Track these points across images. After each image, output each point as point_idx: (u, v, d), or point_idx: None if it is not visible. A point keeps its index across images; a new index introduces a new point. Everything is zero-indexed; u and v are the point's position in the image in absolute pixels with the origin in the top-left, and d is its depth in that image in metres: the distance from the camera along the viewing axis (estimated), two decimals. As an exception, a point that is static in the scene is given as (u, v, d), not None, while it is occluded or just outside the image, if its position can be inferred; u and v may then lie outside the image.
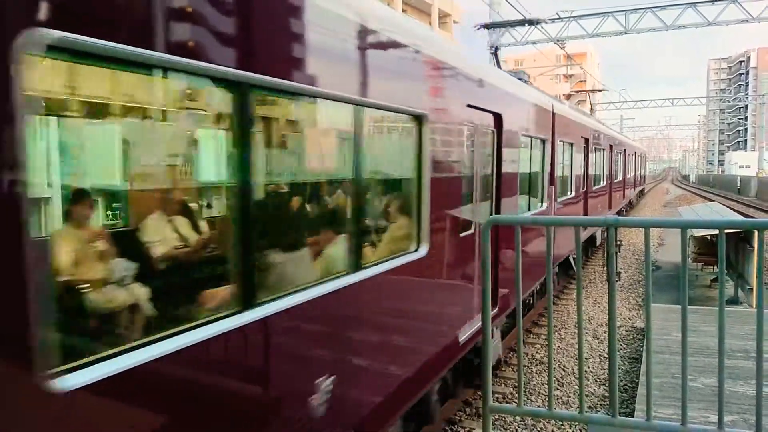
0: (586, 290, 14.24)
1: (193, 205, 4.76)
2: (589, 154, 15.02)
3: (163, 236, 3.93)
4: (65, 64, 2.51)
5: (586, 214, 15.00)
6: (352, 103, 3.91)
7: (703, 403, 6.32)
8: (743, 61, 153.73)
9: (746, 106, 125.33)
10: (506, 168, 7.55)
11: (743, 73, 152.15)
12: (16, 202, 1.99)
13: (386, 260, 4.45)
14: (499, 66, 12.84)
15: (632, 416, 6.54)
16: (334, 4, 3.76)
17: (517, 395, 4.19)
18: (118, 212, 5.16)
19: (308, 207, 4.25)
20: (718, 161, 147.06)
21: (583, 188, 14.49)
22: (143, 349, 2.42)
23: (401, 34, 4.67)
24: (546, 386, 6.08)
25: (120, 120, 4.14)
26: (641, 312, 12.40)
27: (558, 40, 28.15)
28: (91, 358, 2.25)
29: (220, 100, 3.05)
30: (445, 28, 46.62)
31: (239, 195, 2.98)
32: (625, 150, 26.11)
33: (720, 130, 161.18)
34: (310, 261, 3.88)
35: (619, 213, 23.83)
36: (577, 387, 6.20)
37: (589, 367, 9.06)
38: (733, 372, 7.08)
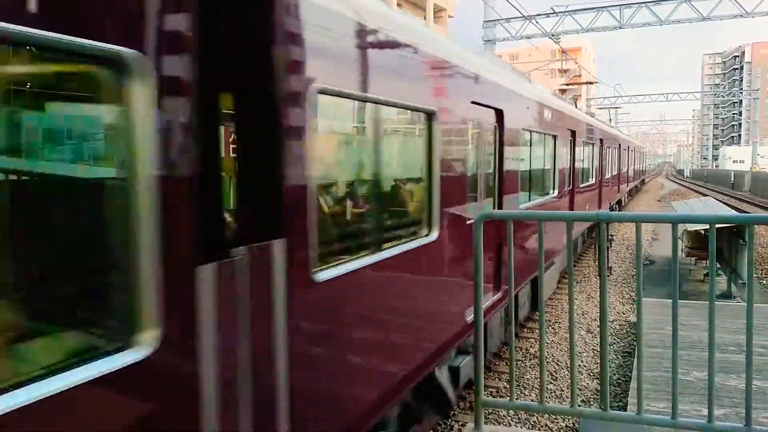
0: (580, 285, 14.27)
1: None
2: (618, 152, 25.12)
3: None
4: None
5: (619, 186, 25.70)
6: None
7: (695, 397, 6.35)
8: (737, 56, 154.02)
9: (740, 101, 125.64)
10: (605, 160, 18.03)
11: (737, 68, 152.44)
12: None
13: None
14: (576, 105, 20.10)
15: (625, 410, 6.57)
16: None
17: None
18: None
19: None
20: (713, 156, 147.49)
21: (616, 172, 24.24)
22: None
23: None
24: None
25: None
26: (634, 306, 12.44)
27: (553, 35, 28.10)
28: None
29: None
30: (440, 22, 46.55)
31: None
32: (636, 148, 41.03)
33: (714, 125, 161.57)
34: None
35: (629, 191, 36.12)
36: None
37: (582, 362, 9.09)
38: (726, 366, 7.12)
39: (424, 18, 41.67)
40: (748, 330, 3.37)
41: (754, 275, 15.99)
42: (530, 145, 9.44)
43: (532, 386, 8.23)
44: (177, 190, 2.57)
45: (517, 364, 8.95)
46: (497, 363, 8.83)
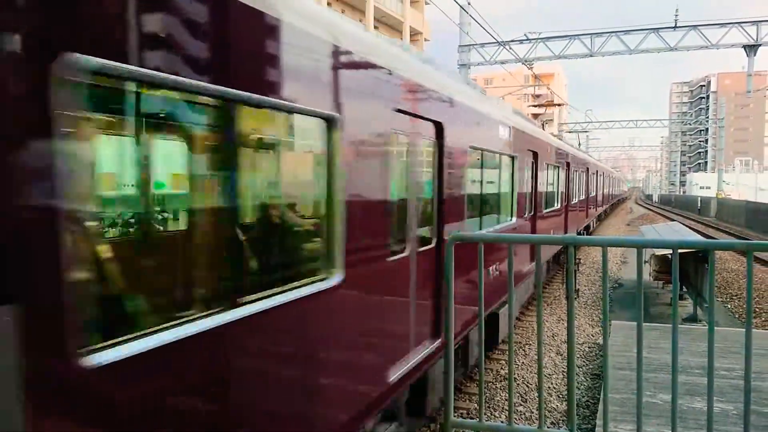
0: (550, 307, 14.41)
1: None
2: (607, 179, 33.79)
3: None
4: None
5: (596, 208, 30.21)
6: None
7: (661, 419, 6.43)
8: (704, 86, 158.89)
9: (707, 129, 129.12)
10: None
11: (704, 97, 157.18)
12: None
13: None
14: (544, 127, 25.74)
15: (592, 431, 6.63)
16: None
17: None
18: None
19: None
20: (680, 182, 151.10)
21: (602, 191, 32.68)
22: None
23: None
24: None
25: None
26: (604, 329, 12.58)
27: (526, 61, 28.69)
28: None
29: None
30: (416, 45, 47.15)
31: None
32: (618, 177, 55.69)
33: (682, 151, 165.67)
34: None
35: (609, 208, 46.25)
36: (539, 403, 6.24)
37: (552, 384, 9.15)
38: (692, 388, 7.23)
39: (401, 39, 42.16)
40: (709, 353, 3.45)
41: (719, 299, 16.34)
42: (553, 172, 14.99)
43: (503, 408, 8.25)
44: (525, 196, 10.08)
45: (487, 385, 8.97)
46: (468, 384, 8.84)
